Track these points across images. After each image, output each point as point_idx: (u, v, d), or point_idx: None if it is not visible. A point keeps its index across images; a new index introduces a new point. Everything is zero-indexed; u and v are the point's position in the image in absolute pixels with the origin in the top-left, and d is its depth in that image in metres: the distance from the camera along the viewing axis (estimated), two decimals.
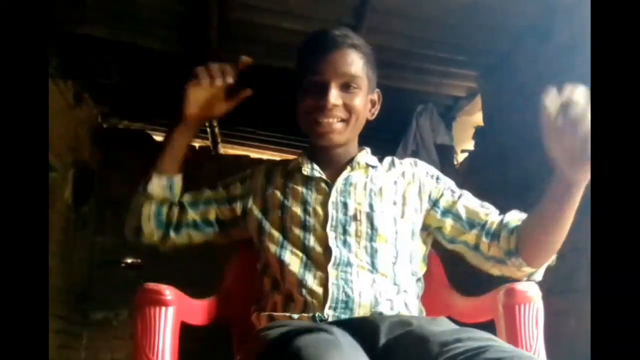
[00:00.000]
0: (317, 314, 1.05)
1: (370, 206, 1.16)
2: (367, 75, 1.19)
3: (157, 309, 1.01)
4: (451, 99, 3.64)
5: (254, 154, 4.76)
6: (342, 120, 1.16)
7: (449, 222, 1.19)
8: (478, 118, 3.52)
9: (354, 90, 1.16)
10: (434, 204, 1.21)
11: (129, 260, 4.49)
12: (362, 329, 0.95)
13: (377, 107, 1.26)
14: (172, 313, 1.02)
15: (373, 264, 1.12)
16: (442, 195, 1.22)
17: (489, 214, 1.17)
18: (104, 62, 3.29)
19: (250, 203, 1.24)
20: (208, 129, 4.23)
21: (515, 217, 1.14)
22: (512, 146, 2.91)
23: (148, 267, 4.45)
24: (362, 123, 1.22)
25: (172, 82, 3.55)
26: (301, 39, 1.23)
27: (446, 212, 1.20)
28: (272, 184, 1.25)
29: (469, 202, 1.20)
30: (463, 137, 3.76)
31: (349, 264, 1.10)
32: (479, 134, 3.44)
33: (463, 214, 1.18)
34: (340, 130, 1.17)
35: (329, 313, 1.04)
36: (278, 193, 1.22)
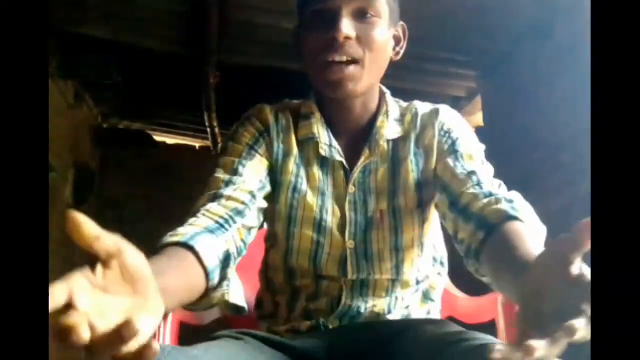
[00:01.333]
0: (321, 321, 0.94)
1: (394, 201, 0.95)
2: (389, 2, 0.93)
3: None
4: (451, 99, 3.64)
5: None
6: (356, 62, 0.88)
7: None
8: (478, 118, 3.51)
9: (371, 19, 0.89)
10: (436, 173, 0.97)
11: None
12: (364, 335, 0.91)
13: (403, 44, 0.99)
14: (171, 313, 1.02)
15: (397, 272, 0.95)
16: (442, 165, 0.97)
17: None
18: (104, 62, 3.30)
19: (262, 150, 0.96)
20: (208, 129, 4.24)
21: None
22: (512, 146, 2.91)
23: None
24: (383, 65, 0.94)
25: (172, 82, 3.59)
26: None
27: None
28: (284, 143, 0.97)
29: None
30: None
31: (367, 279, 0.94)
32: (479, 134, 3.44)
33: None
34: (355, 75, 0.88)
35: (334, 322, 0.94)
36: (291, 164, 0.96)
